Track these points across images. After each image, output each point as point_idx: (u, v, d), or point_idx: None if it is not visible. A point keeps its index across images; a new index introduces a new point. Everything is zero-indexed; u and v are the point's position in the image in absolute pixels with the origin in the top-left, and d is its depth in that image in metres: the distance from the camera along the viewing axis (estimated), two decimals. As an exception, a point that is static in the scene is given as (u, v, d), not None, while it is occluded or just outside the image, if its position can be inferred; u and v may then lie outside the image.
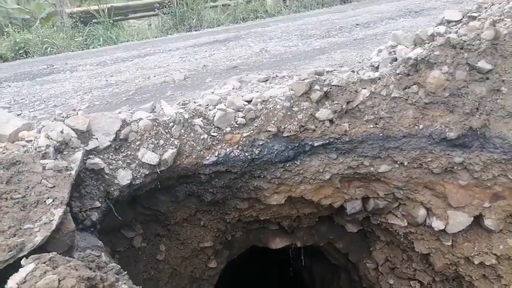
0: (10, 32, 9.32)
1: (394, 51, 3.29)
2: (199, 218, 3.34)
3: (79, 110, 3.95)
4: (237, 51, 6.43)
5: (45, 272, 1.09)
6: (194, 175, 2.84)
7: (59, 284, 1.03)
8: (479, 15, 2.97)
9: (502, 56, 2.50)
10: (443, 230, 2.88)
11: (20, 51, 8.85)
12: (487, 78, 2.54)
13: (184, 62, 6.01)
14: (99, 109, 3.91)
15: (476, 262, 2.89)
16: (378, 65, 3.25)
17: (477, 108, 2.57)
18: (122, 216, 2.65)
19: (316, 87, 2.76)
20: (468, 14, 3.10)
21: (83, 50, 9.02)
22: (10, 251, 1.26)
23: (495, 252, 2.83)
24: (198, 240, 3.43)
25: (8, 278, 1.20)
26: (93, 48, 9.14)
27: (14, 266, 1.25)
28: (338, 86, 2.75)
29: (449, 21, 3.22)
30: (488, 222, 2.78)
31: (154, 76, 5.18)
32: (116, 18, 10.56)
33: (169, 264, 3.43)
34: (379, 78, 2.76)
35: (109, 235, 2.89)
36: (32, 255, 1.20)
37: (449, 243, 2.95)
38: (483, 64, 2.49)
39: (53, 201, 1.45)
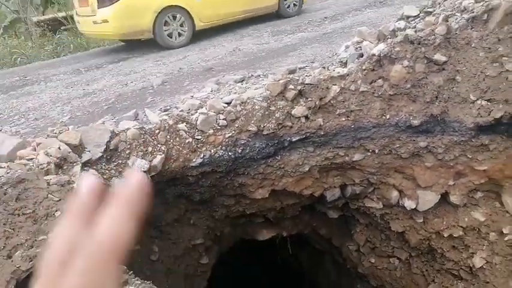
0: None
1: (360, 47, 3.54)
2: (188, 217, 3.51)
3: (61, 121, 4.02)
4: (211, 52, 6.55)
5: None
6: (182, 177, 3.00)
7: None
8: (434, 11, 3.24)
9: (455, 48, 2.77)
10: (415, 209, 3.16)
11: (-12, 64, 8.67)
12: (443, 69, 2.80)
13: (159, 66, 6.09)
14: (82, 120, 3.99)
15: (445, 235, 3.18)
16: (346, 61, 3.48)
17: (436, 97, 2.84)
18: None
19: (291, 86, 2.96)
20: (424, 10, 3.37)
21: (54, 58, 8.91)
22: (31, 260, 1.40)
23: (461, 224, 3.12)
24: (189, 239, 3.59)
25: (29, 286, 1.35)
26: (64, 56, 9.04)
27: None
28: (311, 84, 2.96)
29: (408, 17, 3.49)
30: (453, 199, 3.07)
31: (132, 82, 5.25)
32: (85, 23, 10.44)
33: (163, 263, 3.58)
34: (348, 75, 2.98)
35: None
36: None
37: (421, 220, 3.23)
38: (439, 57, 2.75)
39: (61, 213, 1.59)
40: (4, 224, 1.51)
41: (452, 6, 3.08)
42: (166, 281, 3.72)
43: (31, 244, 1.47)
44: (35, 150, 2.02)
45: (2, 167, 1.86)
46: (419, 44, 2.78)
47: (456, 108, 2.87)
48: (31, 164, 1.77)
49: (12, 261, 1.47)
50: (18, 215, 1.53)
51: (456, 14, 2.95)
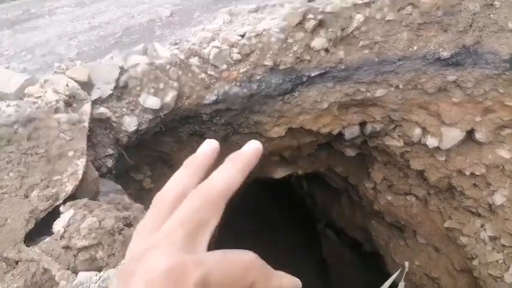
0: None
1: (386, -30, 3.20)
2: (203, 155, 3.47)
3: (68, 57, 3.88)
4: (221, -20, 6.11)
5: (84, 216, 1.20)
6: (196, 115, 2.90)
7: (100, 224, 1.15)
8: None
9: (497, -32, 2.46)
10: (437, 147, 3.04)
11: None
12: (481, -7, 2.52)
13: (167, -4, 5.72)
14: (89, 55, 3.83)
15: (467, 173, 3.10)
16: (371, -14, 3.17)
17: (470, 25, 2.59)
18: (130, 160, 2.76)
19: (310, 16, 2.72)
20: None
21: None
22: (48, 200, 1.37)
23: (485, 162, 3.02)
24: (204, 177, 3.59)
25: (48, 225, 1.32)
26: (66, -12, 8.57)
27: (53, 213, 1.36)
28: (332, 13, 2.71)
29: None
30: (479, 135, 2.94)
31: (139, 14, 4.97)
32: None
33: (179, 201, 3.63)
34: (373, 1, 2.71)
35: (119, 179, 3.02)
36: (68, 202, 1.31)
37: (443, 159, 3.13)
38: (477, -22, 2.46)
39: (74, 153, 1.53)
40: (18, 163, 1.47)
41: None
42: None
43: (47, 184, 1.43)
44: (43, 87, 1.91)
45: (11, 105, 1.77)
46: (456, -37, 2.47)
47: (491, 37, 2.63)
48: (40, 102, 1.68)
49: (29, 200, 1.45)
50: (31, 154, 1.47)
51: None
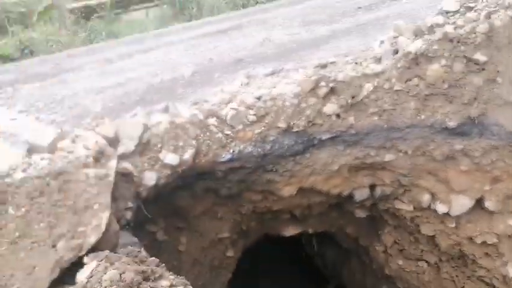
0: (14, 31, 9.39)
1: (395, 42, 3.42)
2: (216, 210, 3.54)
3: (95, 112, 4.11)
4: (241, 42, 6.49)
5: (106, 268, 1.29)
6: (211, 172, 3.03)
7: (120, 277, 1.23)
8: (476, 6, 3.10)
9: (497, 47, 2.65)
10: (447, 213, 3.07)
11: (26, 51, 8.94)
12: (483, 69, 2.70)
13: (189, 56, 6.08)
14: (113, 110, 4.07)
15: (478, 241, 3.09)
16: (381, 57, 3.39)
17: (475, 98, 2.74)
18: (147, 213, 2.85)
19: (322, 83, 2.91)
20: (465, 5, 3.22)
21: (87, 45, 9.06)
22: (73, 251, 1.46)
23: (496, 231, 3.02)
24: (215, 232, 3.64)
25: (71, 274, 1.41)
26: (96, 43, 9.18)
27: (74, 264, 1.45)
28: (343, 82, 2.91)
29: (447, 12, 3.34)
30: (488, 204, 2.96)
31: (162, 73, 5.28)
32: (117, 11, 10.62)
33: (190, 254, 3.65)
34: (382, 72, 2.91)
35: (134, 230, 3.10)
36: (90, 254, 1.41)
37: (453, 225, 3.14)
38: (479, 56, 2.64)
39: (99, 206, 1.65)
40: (48, 214, 1.59)
41: (495, 1, 2.94)
42: (193, 271, 3.79)
43: (72, 235, 1.54)
44: (74, 142, 2.08)
45: (44, 159, 1.93)
46: (458, 42, 2.68)
47: (496, 110, 2.76)
48: (70, 157, 1.83)
49: (56, 250, 1.55)
50: (60, 206, 1.60)
51: (500, 10, 2.81)
